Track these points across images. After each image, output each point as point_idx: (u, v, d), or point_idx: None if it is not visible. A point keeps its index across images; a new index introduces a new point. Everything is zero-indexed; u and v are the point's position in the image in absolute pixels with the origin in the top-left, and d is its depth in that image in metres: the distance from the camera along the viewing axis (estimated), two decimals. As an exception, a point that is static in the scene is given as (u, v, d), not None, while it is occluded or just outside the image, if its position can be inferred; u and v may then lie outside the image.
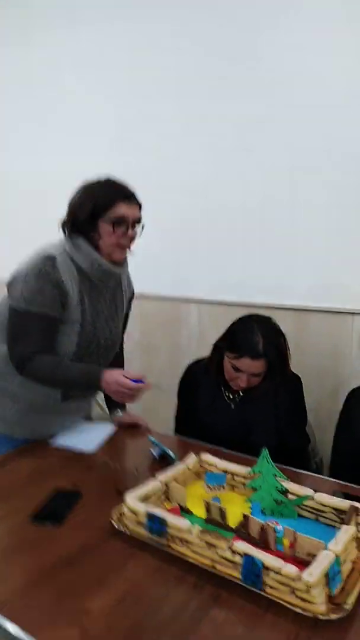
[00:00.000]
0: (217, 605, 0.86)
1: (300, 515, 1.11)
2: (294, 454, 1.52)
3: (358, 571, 0.93)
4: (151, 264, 2.35)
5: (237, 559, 0.90)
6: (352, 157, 1.85)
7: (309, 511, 1.11)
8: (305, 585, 0.82)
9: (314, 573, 0.83)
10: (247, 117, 2.03)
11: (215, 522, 1.06)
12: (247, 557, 0.88)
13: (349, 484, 1.30)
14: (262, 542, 0.98)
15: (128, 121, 2.35)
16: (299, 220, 2.01)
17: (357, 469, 1.35)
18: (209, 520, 1.07)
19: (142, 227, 1.39)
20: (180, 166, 2.23)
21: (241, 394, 1.55)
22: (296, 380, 1.56)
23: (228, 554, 0.91)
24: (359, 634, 0.80)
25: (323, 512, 1.09)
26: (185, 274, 2.33)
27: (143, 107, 2.30)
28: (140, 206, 1.38)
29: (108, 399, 1.68)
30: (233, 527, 1.04)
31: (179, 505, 1.12)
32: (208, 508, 1.07)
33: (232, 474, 1.22)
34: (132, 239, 1.38)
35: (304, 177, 1.96)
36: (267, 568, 0.86)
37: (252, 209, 2.09)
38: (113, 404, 1.66)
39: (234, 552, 0.91)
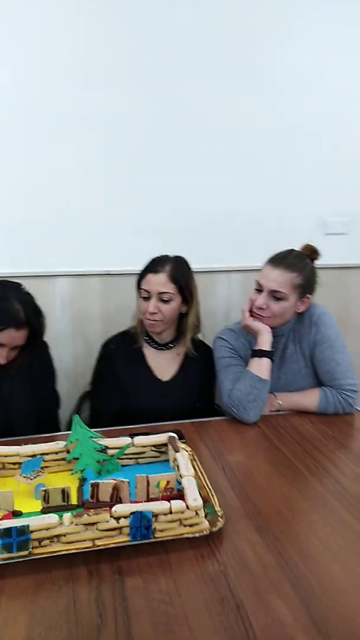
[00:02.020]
0: (127, 575, 0.82)
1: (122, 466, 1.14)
2: (47, 417, 1.48)
3: (200, 484, 1.06)
4: None
5: (123, 522, 0.87)
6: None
7: (129, 458, 1.15)
8: (194, 510, 0.90)
9: (196, 498, 0.91)
10: None
11: (55, 508, 0.96)
12: (135, 515, 0.87)
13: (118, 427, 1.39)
14: (116, 501, 0.97)
15: None
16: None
17: (116, 419, 1.45)
18: (47, 510, 0.96)
19: None
20: None
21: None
22: (45, 344, 1.48)
23: (112, 523, 0.87)
24: (234, 526, 0.95)
25: (142, 453, 1.16)
26: None
27: None
28: None
29: None
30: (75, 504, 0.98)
31: (10, 511, 0.94)
32: (46, 497, 0.96)
33: (44, 454, 1.10)
34: None
35: None
36: (155, 515, 0.88)
37: None
38: None
39: (117, 518, 0.87)
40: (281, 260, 1.42)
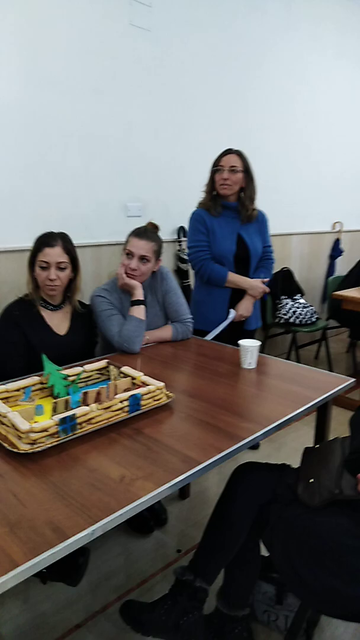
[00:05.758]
0: (140, 429, 1.28)
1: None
2: None
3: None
4: None
5: (124, 403, 1.31)
6: None
7: (82, 383, 1.54)
8: (160, 389, 1.40)
9: (158, 383, 1.42)
10: None
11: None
12: (133, 396, 1.32)
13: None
14: (98, 401, 1.39)
15: None
16: None
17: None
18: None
19: None
20: None
21: None
22: None
23: (119, 405, 1.30)
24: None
25: (90, 376, 1.56)
26: None
27: None
28: None
29: None
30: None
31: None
32: (55, 407, 1.30)
33: (26, 387, 1.39)
34: None
35: None
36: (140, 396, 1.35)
37: None
38: None
39: (122, 401, 1.31)
40: (143, 233, 1.97)
